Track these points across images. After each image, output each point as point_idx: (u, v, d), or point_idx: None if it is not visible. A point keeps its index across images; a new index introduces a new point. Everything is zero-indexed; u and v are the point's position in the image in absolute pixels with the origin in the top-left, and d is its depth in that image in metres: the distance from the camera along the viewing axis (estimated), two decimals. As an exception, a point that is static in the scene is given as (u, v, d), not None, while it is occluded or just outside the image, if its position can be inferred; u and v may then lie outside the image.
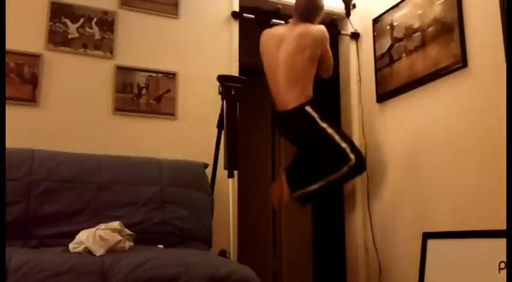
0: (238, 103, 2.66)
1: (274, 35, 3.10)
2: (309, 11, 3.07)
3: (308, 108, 2.93)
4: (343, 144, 2.90)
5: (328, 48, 3.09)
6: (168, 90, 3.10)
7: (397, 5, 3.29)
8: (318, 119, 2.91)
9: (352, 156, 2.89)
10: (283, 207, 4.41)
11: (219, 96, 2.73)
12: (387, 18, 3.37)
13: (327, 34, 3.05)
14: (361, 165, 2.97)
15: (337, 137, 2.91)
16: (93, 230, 2.16)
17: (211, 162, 2.87)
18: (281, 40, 3.03)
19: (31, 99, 2.78)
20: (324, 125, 2.91)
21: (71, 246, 2.13)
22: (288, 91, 2.96)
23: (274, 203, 3.19)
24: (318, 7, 3.12)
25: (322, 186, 2.90)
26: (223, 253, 2.55)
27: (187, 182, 2.73)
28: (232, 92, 2.67)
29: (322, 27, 3.06)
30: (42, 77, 2.82)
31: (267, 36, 3.12)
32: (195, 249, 2.41)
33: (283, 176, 3.05)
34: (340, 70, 3.78)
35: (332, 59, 3.16)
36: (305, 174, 2.97)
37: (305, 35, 2.98)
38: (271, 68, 3.05)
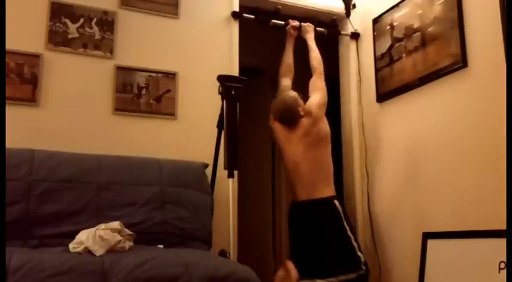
0: (238, 103, 2.66)
1: (281, 132, 3.00)
2: (292, 116, 2.93)
3: (337, 203, 2.86)
4: (359, 253, 2.82)
5: (319, 103, 2.96)
6: (168, 90, 3.10)
7: (397, 5, 3.29)
8: (343, 217, 2.85)
9: (363, 267, 2.80)
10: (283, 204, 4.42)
11: (219, 96, 2.72)
12: (387, 18, 3.37)
13: (314, 109, 2.91)
14: (367, 280, 2.86)
15: (355, 244, 2.83)
16: (93, 230, 2.16)
17: (211, 162, 2.87)
18: (288, 140, 2.95)
19: (31, 99, 2.78)
20: (346, 226, 2.84)
21: (71, 246, 2.13)
22: (314, 182, 2.86)
23: None
24: (294, 106, 2.92)
25: None
26: (223, 253, 2.55)
27: (187, 182, 2.73)
28: (232, 92, 2.67)
29: (305, 113, 2.91)
30: (42, 77, 2.82)
31: (277, 132, 3.03)
32: (195, 249, 2.42)
33: (290, 263, 2.83)
34: (340, 70, 3.78)
35: (323, 85, 3.06)
36: (314, 265, 2.80)
37: (306, 133, 2.89)
38: (291, 161, 2.94)
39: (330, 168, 2.94)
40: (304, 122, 2.92)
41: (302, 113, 2.93)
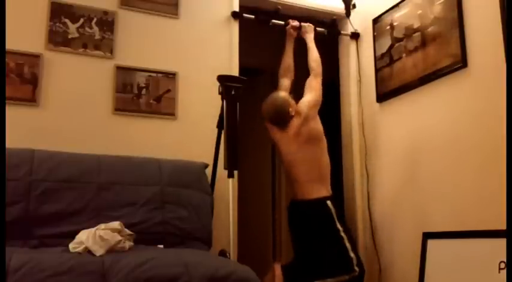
0: (238, 103, 2.66)
1: (275, 132, 2.98)
2: (282, 117, 2.91)
3: (329, 203, 2.85)
4: (352, 254, 2.80)
5: (310, 102, 2.94)
6: (168, 90, 3.10)
7: (397, 5, 3.29)
8: (335, 218, 2.83)
9: (356, 268, 2.79)
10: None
11: (219, 96, 2.72)
12: (387, 18, 3.37)
13: (305, 108, 2.90)
14: (362, 280, 2.85)
15: (348, 244, 2.81)
16: (93, 230, 2.16)
17: (211, 162, 2.87)
18: (282, 140, 2.95)
19: (31, 99, 2.78)
20: (339, 227, 2.82)
21: (71, 246, 2.13)
22: (308, 181, 2.86)
23: None
24: (284, 107, 2.90)
25: None
26: (223, 253, 2.55)
27: (187, 182, 2.73)
28: (232, 92, 2.67)
29: (296, 113, 2.89)
30: (42, 77, 2.82)
31: (271, 132, 3.01)
32: (195, 249, 2.42)
33: (278, 270, 2.93)
34: (340, 70, 3.78)
35: (319, 85, 3.03)
36: (303, 271, 2.83)
37: (297, 133, 2.88)
38: (286, 160, 2.95)
39: (324, 168, 2.93)
40: (295, 122, 2.90)
41: (292, 113, 2.91)
